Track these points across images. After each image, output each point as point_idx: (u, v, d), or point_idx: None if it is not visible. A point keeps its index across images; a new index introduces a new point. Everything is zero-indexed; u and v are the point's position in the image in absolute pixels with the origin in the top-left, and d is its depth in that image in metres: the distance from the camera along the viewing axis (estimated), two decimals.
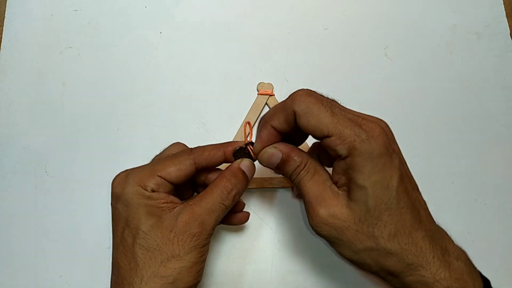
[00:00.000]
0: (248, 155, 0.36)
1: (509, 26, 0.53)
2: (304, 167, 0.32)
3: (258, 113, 0.47)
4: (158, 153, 0.41)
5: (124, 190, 0.32)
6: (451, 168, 0.47)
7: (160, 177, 0.32)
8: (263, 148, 0.33)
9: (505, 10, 0.53)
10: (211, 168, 0.36)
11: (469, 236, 0.44)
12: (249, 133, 0.37)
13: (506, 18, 0.53)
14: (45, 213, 0.44)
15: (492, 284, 0.31)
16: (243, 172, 0.35)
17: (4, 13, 0.51)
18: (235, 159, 0.35)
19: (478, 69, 0.51)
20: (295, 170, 0.33)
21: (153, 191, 0.32)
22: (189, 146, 0.46)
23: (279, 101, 0.48)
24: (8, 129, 0.47)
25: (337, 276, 0.43)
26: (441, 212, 0.46)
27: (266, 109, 0.48)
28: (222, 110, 0.48)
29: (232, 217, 0.39)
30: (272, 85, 0.48)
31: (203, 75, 0.49)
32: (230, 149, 0.35)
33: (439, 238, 0.31)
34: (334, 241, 0.31)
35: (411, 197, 0.30)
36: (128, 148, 0.46)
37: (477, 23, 0.53)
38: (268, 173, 0.45)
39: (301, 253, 0.43)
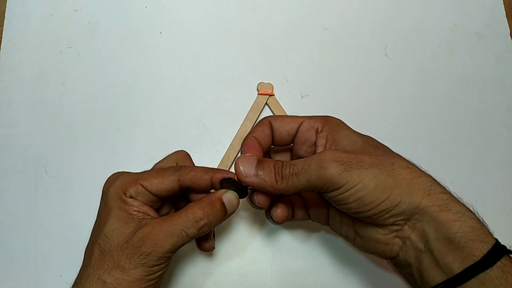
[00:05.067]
0: (237, 189, 0.34)
1: (509, 26, 0.53)
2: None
3: (258, 113, 0.47)
4: (155, 154, 0.41)
5: (108, 190, 0.33)
6: (451, 168, 0.47)
7: (142, 186, 0.32)
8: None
9: (505, 10, 0.53)
10: (200, 191, 0.35)
11: None
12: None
13: (506, 18, 0.53)
14: (45, 213, 0.44)
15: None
16: (223, 204, 0.33)
17: (4, 13, 0.51)
18: (221, 188, 0.34)
19: (478, 69, 0.51)
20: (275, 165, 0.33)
21: (131, 197, 0.32)
22: (190, 146, 0.46)
23: (279, 101, 0.48)
24: (8, 129, 0.47)
25: (337, 276, 0.43)
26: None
27: (266, 109, 0.48)
28: (222, 110, 0.48)
29: (199, 242, 0.37)
30: (272, 85, 0.48)
31: (203, 75, 0.49)
32: (218, 176, 0.34)
33: None
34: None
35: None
36: (128, 148, 0.46)
37: (477, 23, 0.53)
38: None
39: (301, 253, 0.43)
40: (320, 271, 0.43)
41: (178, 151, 0.38)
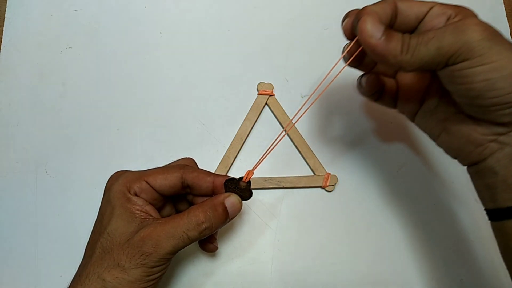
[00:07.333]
0: (240, 191, 0.34)
1: (509, 26, 0.53)
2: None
3: (258, 113, 0.47)
4: (155, 154, 0.41)
5: (111, 187, 0.33)
6: (451, 168, 0.47)
7: (146, 182, 0.33)
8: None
9: (505, 10, 0.53)
10: (200, 194, 0.35)
11: (469, 236, 0.45)
12: (248, 176, 0.35)
13: (506, 18, 0.53)
14: (45, 213, 0.44)
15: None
16: (225, 208, 0.33)
17: (4, 13, 0.51)
18: (226, 190, 0.34)
19: None
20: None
21: (135, 194, 0.33)
22: (190, 146, 0.47)
23: (279, 101, 0.48)
24: (8, 129, 0.47)
25: (337, 276, 0.43)
26: (441, 212, 0.46)
27: (266, 109, 0.48)
28: (222, 110, 0.48)
29: (202, 243, 0.37)
30: (272, 85, 0.48)
31: (203, 75, 0.49)
32: (221, 179, 0.34)
33: None
34: None
35: None
36: (128, 148, 0.46)
37: None
38: (268, 173, 0.45)
39: (301, 253, 0.43)
40: (320, 271, 0.43)
41: (185, 157, 0.38)
